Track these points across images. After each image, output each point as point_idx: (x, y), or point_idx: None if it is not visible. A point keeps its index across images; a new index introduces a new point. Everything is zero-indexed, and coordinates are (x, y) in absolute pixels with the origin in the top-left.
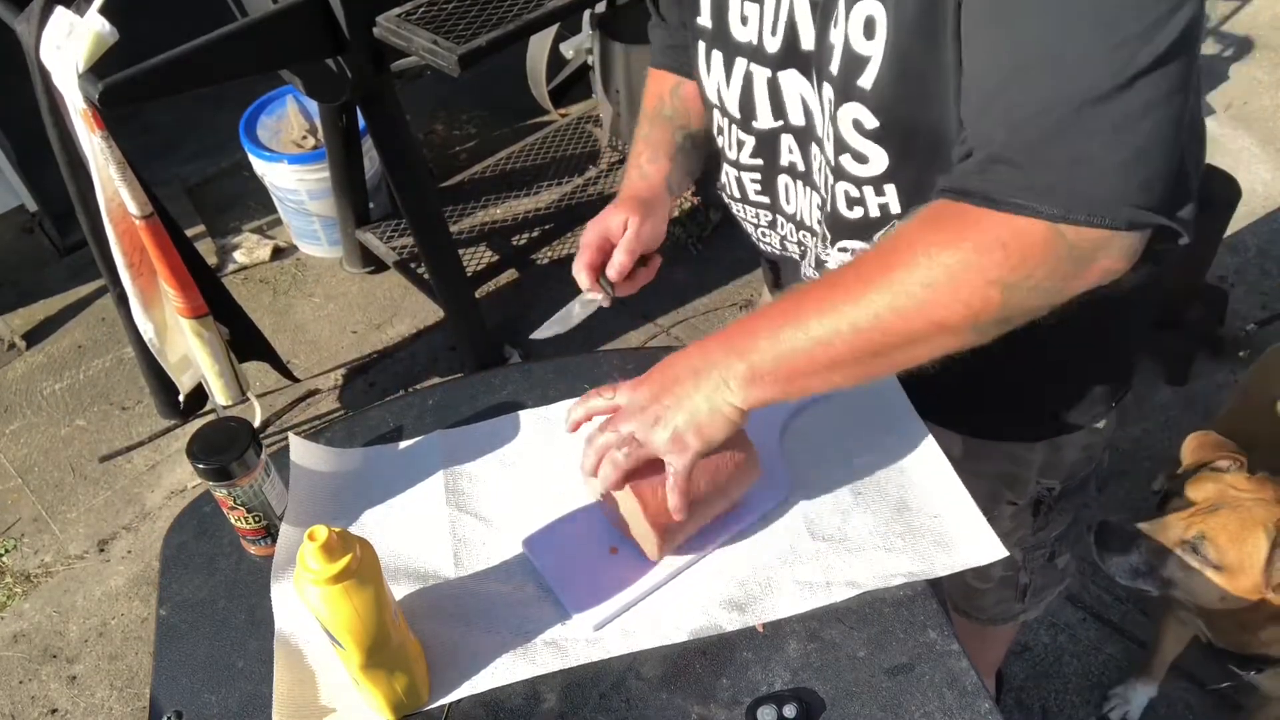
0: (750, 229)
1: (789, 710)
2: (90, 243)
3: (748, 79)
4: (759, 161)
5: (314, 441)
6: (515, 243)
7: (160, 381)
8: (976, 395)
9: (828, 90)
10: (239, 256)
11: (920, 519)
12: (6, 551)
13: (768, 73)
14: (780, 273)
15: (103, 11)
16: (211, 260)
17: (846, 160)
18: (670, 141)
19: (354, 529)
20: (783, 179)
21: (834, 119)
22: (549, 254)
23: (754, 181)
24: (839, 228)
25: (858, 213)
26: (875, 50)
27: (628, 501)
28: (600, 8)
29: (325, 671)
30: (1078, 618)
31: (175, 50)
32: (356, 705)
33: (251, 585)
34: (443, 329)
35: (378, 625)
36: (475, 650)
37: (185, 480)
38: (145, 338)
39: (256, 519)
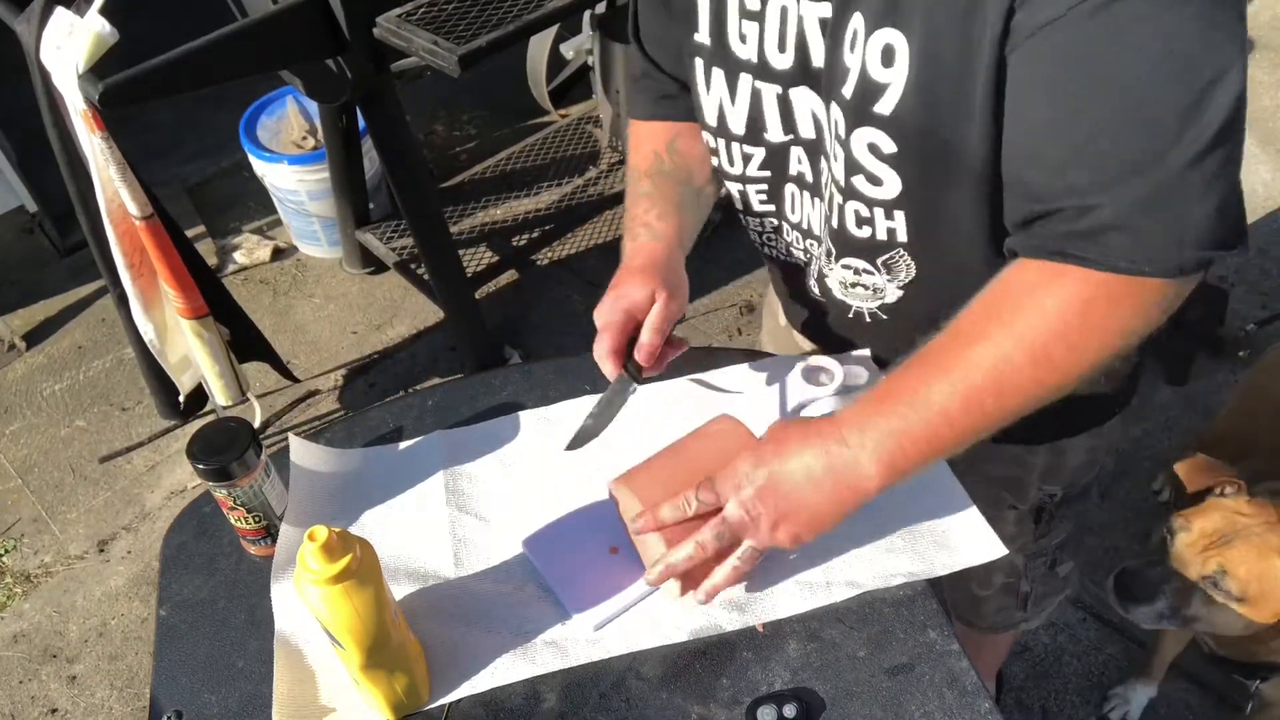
0: (755, 236)
1: (789, 710)
2: (90, 243)
3: (755, 96)
4: (767, 173)
5: (314, 442)
6: (515, 243)
7: (160, 382)
8: None
9: (836, 111)
10: (239, 257)
11: (920, 519)
12: (6, 551)
13: (777, 89)
14: (786, 278)
15: (103, 12)
16: (211, 261)
17: (859, 181)
18: (677, 196)
19: (354, 529)
20: (789, 188)
21: (845, 141)
22: (549, 254)
23: (759, 193)
24: (845, 245)
25: (865, 232)
26: (894, 77)
27: (649, 536)
28: (600, 8)
29: (325, 671)
30: (1078, 618)
31: (175, 50)
32: (356, 705)
33: (251, 585)
34: (443, 330)
35: (378, 625)
36: (475, 650)
37: (185, 480)
38: (145, 338)
39: (256, 519)
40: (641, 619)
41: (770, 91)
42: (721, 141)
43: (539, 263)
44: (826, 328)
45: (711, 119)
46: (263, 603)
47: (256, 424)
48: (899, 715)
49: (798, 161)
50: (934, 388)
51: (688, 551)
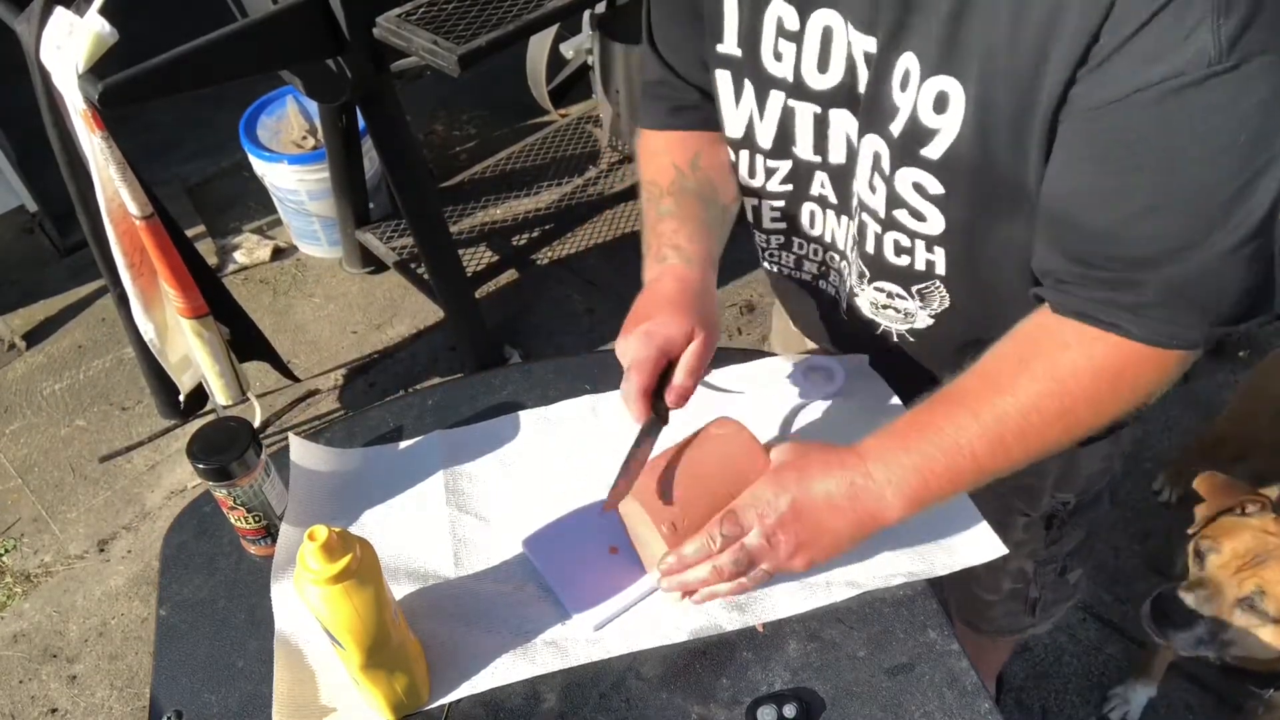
0: (760, 249)
1: (789, 710)
2: (90, 243)
3: (787, 113)
4: (788, 188)
5: (314, 441)
6: (515, 243)
7: (160, 381)
8: None
9: (880, 143)
10: (239, 257)
11: (920, 519)
12: (6, 551)
13: (815, 108)
14: (794, 292)
15: (103, 11)
16: (211, 260)
17: (901, 214)
18: (705, 216)
19: (354, 529)
20: (808, 206)
21: (889, 177)
22: (549, 254)
23: (774, 209)
24: (881, 270)
25: (904, 260)
26: (946, 124)
27: (650, 538)
28: (600, 8)
29: (325, 671)
30: (1078, 618)
31: (175, 50)
32: (356, 705)
33: (251, 585)
34: (443, 329)
35: (378, 625)
36: (475, 650)
37: (185, 480)
38: (146, 338)
39: (256, 519)
40: (641, 619)
41: (807, 110)
42: (745, 154)
43: (539, 263)
44: (848, 340)
45: (738, 132)
46: (263, 603)
47: (256, 424)
48: (899, 715)
49: (820, 185)
50: (962, 429)
51: (703, 574)
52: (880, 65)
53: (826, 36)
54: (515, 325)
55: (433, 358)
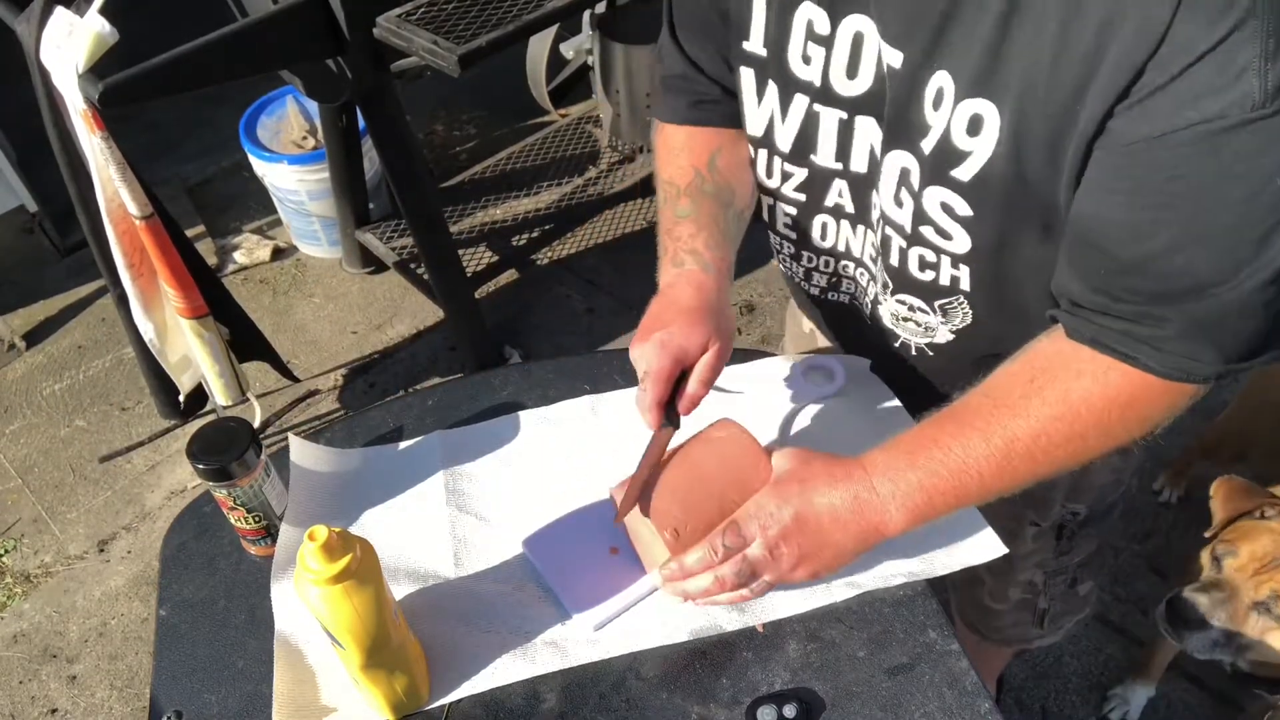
0: (775, 251)
1: (789, 710)
2: (90, 243)
3: (810, 117)
4: (802, 197)
5: (314, 441)
6: (515, 243)
7: (160, 382)
8: None
9: (908, 158)
10: (239, 257)
11: None
12: (6, 551)
13: (840, 115)
14: (806, 300)
15: (103, 11)
16: (211, 260)
17: (928, 231)
18: (723, 221)
19: (354, 529)
20: (820, 218)
21: (918, 194)
22: (549, 254)
23: (786, 216)
24: (904, 283)
25: (929, 275)
26: (978, 147)
27: (652, 540)
28: (600, 8)
29: (325, 671)
30: None
31: (175, 50)
32: (356, 705)
33: (251, 585)
34: (443, 329)
35: (378, 625)
36: (475, 650)
37: (185, 480)
38: (145, 338)
39: (256, 519)
40: (641, 619)
41: (832, 116)
42: (764, 153)
43: (539, 263)
44: (866, 351)
45: (758, 131)
46: (263, 603)
47: (256, 424)
48: (899, 715)
49: (838, 194)
50: (970, 449)
51: (705, 584)
52: (911, 81)
53: (857, 42)
54: (515, 325)
55: (433, 358)
